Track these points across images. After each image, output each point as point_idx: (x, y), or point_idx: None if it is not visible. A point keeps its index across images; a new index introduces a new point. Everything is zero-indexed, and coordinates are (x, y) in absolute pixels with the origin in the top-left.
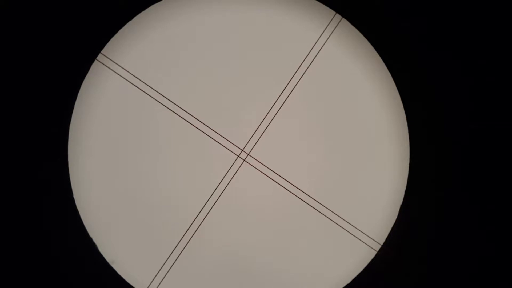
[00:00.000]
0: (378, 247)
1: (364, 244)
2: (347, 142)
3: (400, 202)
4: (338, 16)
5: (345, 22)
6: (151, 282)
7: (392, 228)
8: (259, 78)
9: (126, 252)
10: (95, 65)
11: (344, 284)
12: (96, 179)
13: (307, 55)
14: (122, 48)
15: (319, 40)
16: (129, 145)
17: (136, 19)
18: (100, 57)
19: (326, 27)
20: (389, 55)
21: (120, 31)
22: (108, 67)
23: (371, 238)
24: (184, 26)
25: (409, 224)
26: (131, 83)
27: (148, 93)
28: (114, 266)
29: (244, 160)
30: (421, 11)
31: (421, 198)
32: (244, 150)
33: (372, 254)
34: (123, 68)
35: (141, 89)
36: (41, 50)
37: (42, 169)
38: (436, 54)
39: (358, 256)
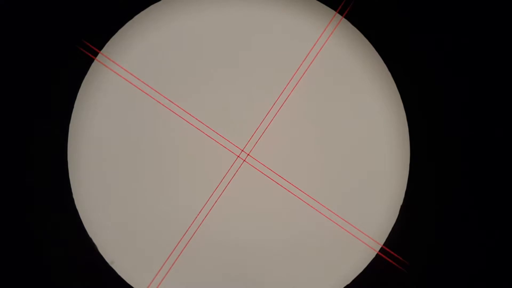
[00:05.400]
0: (378, 247)
1: (364, 244)
2: (347, 142)
3: (400, 202)
4: (338, 16)
5: (345, 22)
6: (151, 282)
7: (392, 228)
8: (259, 78)
9: (126, 252)
10: (94, 65)
11: (344, 284)
12: (96, 179)
13: (307, 55)
14: (122, 48)
15: (319, 40)
16: (129, 145)
17: (136, 18)
18: (99, 57)
19: (326, 27)
20: (389, 55)
21: (120, 31)
22: (108, 67)
23: (371, 238)
24: (184, 26)
25: (409, 224)
26: (131, 83)
27: (148, 93)
28: (113, 266)
29: (244, 160)
30: (421, 11)
31: (421, 198)
32: (244, 150)
33: (372, 254)
34: (123, 68)
35: (141, 89)
36: (41, 50)
37: (42, 169)
38: (436, 54)
39: (358, 256)
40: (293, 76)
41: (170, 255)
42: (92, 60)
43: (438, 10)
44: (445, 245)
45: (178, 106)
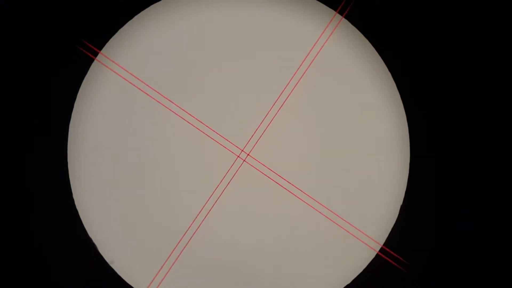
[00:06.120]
0: (378, 247)
1: (364, 244)
2: (347, 142)
3: (400, 202)
4: (338, 16)
5: (345, 22)
6: (151, 282)
7: (392, 228)
8: (259, 78)
9: (126, 252)
10: (94, 65)
11: (344, 284)
12: (95, 179)
13: (307, 55)
14: (121, 48)
15: (319, 40)
16: (128, 145)
17: (135, 18)
18: (99, 57)
19: (326, 27)
20: (389, 55)
21: (120, 31)
22: (108, 67)
23: (371, 238)
24: (184, 26)
25: (409, 224)
26: (131, 83)
27: (148, 93)
28: (113, 266)
29: (244, 160)
30: (421, 11)
31: (421, 198)
32: (244, 150)
33: (372, 254)
34: (123, 68)
35: (141, 89)
36: (41, 50)
37: (42, 169)
38: (436, 54)
39: (358, 256)
40: (293, 76)
41: (170, 255)
42: (92, 60)
43: (438, 10)
44: (445, 245)
45: (178, 106)
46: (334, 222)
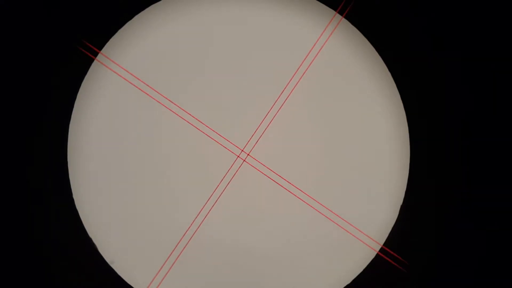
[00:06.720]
0: (378, 247)
1: (364, 244)
2: (347, 142)
3: (400, 202)
4: (338, 16)
5: (345, 22)
6: (151, 282)
7: (392, 228)
8: (259, 78)
9: (125, 252)
10: (94, 65)
11: (344, 284)
12: (95, 179)
13: (307, 55)
14: (121, 48)
15: (319, 40)
16: (128, 145)
17: (135, 18)
18: (99, 57)
19: (326, 27)
20: (389, 55)
21: (120, 31)
22: (108, 67)
23: (371, 238)
24: (184, 26)
25: (409, 224)
26: (131, 83)
27: (148, 93)
28: (113, 266)
29: (244, 160)
30: (421, 11)
31: (421, 198)
32: (244, 150)
33: (372, 254)
34: (123, 68)
35: (140, 89)
36: (41, 50)
37: (42, 169)
38: (436, 54)
39: (358, 256)
40: (293, 76)
41: (170, 255)
42: (92, 60)
43: (438, 10)
44: (445, 245)
45: (178, 106)
46: (334, 222)
